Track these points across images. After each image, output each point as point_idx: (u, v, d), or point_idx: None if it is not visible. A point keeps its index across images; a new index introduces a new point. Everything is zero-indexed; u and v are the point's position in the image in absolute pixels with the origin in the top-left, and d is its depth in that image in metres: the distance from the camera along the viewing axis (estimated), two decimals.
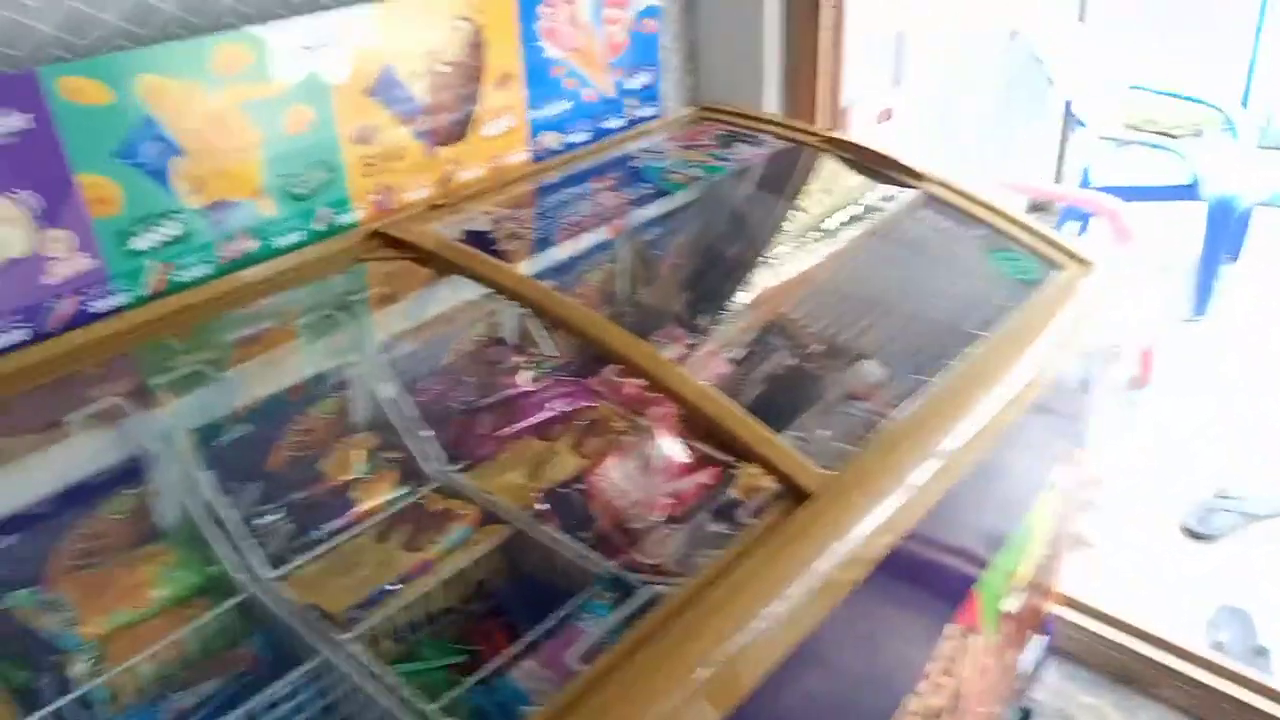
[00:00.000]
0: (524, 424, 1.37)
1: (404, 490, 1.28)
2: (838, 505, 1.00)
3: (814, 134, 1.74)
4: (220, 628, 1.10)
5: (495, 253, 1.33)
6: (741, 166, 1.60)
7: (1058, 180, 3.94)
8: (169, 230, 1.17)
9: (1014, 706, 1.92)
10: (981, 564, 1.43)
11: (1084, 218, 3.63)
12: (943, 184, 1.58)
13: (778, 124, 1.78)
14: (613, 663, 0.83)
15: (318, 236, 1.33)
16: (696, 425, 1.24)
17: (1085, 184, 3.58)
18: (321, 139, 1.29)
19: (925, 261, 1.66)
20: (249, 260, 1.26)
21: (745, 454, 1.07)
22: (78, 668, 1.01)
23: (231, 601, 1.10)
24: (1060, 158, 3.92)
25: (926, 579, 1.26)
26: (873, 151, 1.66)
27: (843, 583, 0.97)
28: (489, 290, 1.24)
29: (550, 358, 1.50)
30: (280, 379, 1.27)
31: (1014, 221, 1.53)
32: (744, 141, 1.70)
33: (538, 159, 1.60)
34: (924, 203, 1.59)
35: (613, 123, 1.72)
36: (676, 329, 1.62)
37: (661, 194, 1.50)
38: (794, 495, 1.01)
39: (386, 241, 1.35)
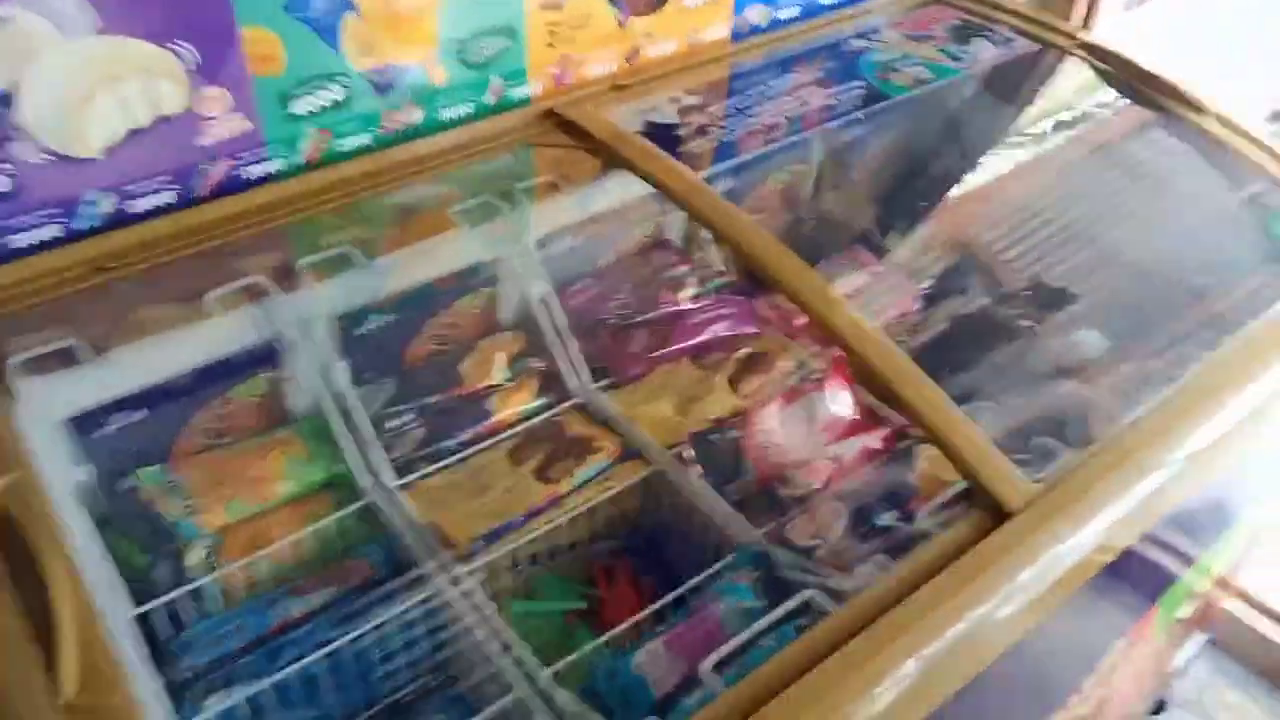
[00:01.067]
0: (679, 346, 1.25)
1: (543, 402, 1.19)
2: (1043, 528, 0.84)
3: (1066, 34, 1.46)
4: (339, 531, 1.06)
5: (674, 148, 1.17)
6: (974, 72, 1.36)
7: None
8: (332, 94, 1.06)
9: (1152, 698, 1.77)
10: (1173, 578, 1.26)
11: None
12: (1226, 121, 1.30)
13: (1023, 16, 1.50)
14: (756, 691, 0.73)
15: (488, 110, 1.20)
16: (873, 382, 1.09)
17: None
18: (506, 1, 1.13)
19: (1185, 213, 1.40)
20: (413, 133, 1.15)
21: (935, 443, 0.92)
22: (194, 557, 0.99)
23: (353, 507, 1.05)
24: None
25: (1112, 596, 1.10)
26: (1139, 68, 1.37)
27: (1030, 615, 0.84)
28: (658, 192, 1.10)
29: (717, 272, 1.35)
30: (430, 267, 1.18)
31: None
32: (982, 36, 1.44)
33: (739, 37, 1.40)
34: (1197, 140, 1.32)
35: None
36: (864, 251, 1.44)
37: (878, 97, 1.29)
38: (992, 510, 0.86)
39: (560, 123, 1.21)
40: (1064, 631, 1.02)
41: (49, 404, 0.93)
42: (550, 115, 1.22)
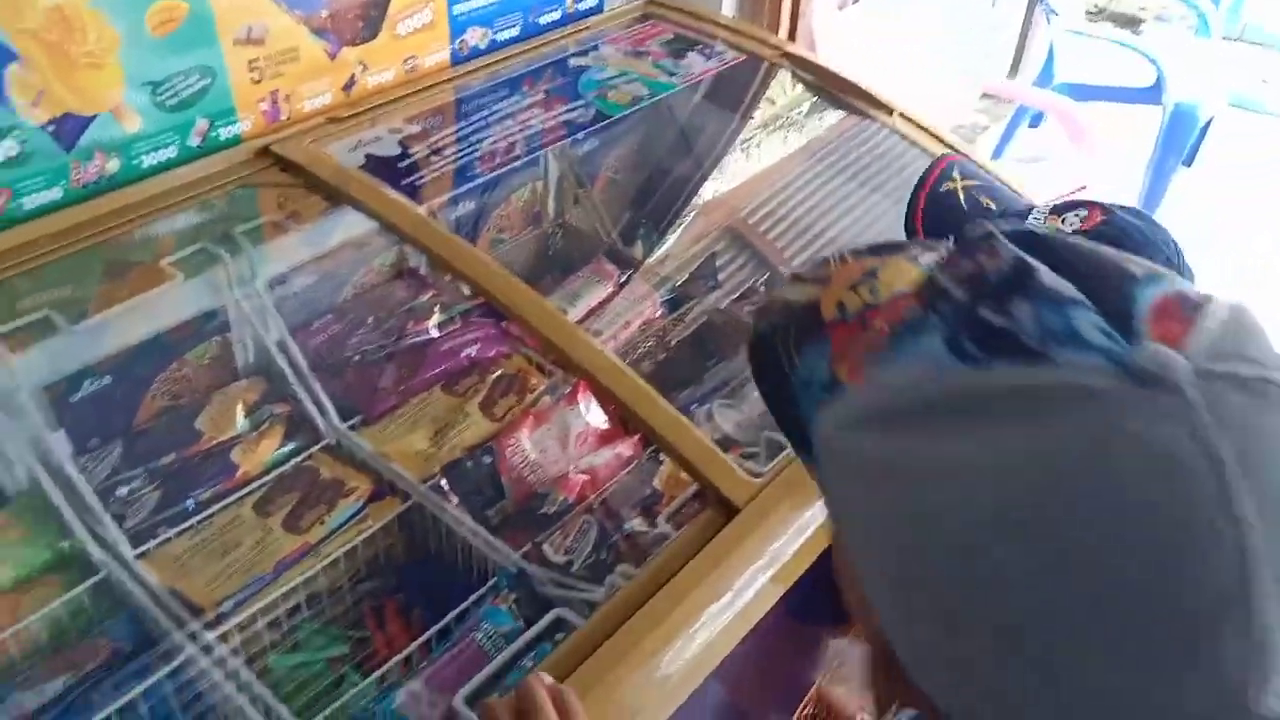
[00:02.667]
0: (428, 375, 1.24)
1: (292, 448, 1.15)
2: (766, 521, 0.91)
3: (772, 46, 1.56)
4: (72, 612, 0.99)
5: (398, 179, 1.17)
6: (689, 85, 1.43)
7: (1014, 73, 3.76)
8: (5, 151, 0.99)
9: None
10: None
11: (1039, 116, 3.51)
12: (911, 120, 1.43)
13: (733, 29, 1.59)
14: None
15: (195, 153, 1.15)
16: (610, 404, 1.14)
17: (1049, 79, 3.43)
18: (196, 39, 1.09)
19: (885, 202, 1.53)
20: (110, 183, 1.08)
21: (668, 453, 0.97)
22: None
23: (86, 584, 0.99)
24: (1020, 48, 3.73)
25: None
26: (835, 75, 1.49)
27: (760, 605, 0.90)
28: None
29: (464, 295, 1.36)
30: (148, 322, 1.12)
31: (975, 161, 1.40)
32: (695, 50, 1.52)
33: (459, 60, 1.41)
34: (888, 137, 1.45)
35: (550, 16, 1.52)
36: (607, 263, 1.49)
37: (600, 115, 1.33)
38: (722, 508, 0.92)
39: (277, 161, 1.18)
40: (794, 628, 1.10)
41: None
42: (266, 153, 1.18)
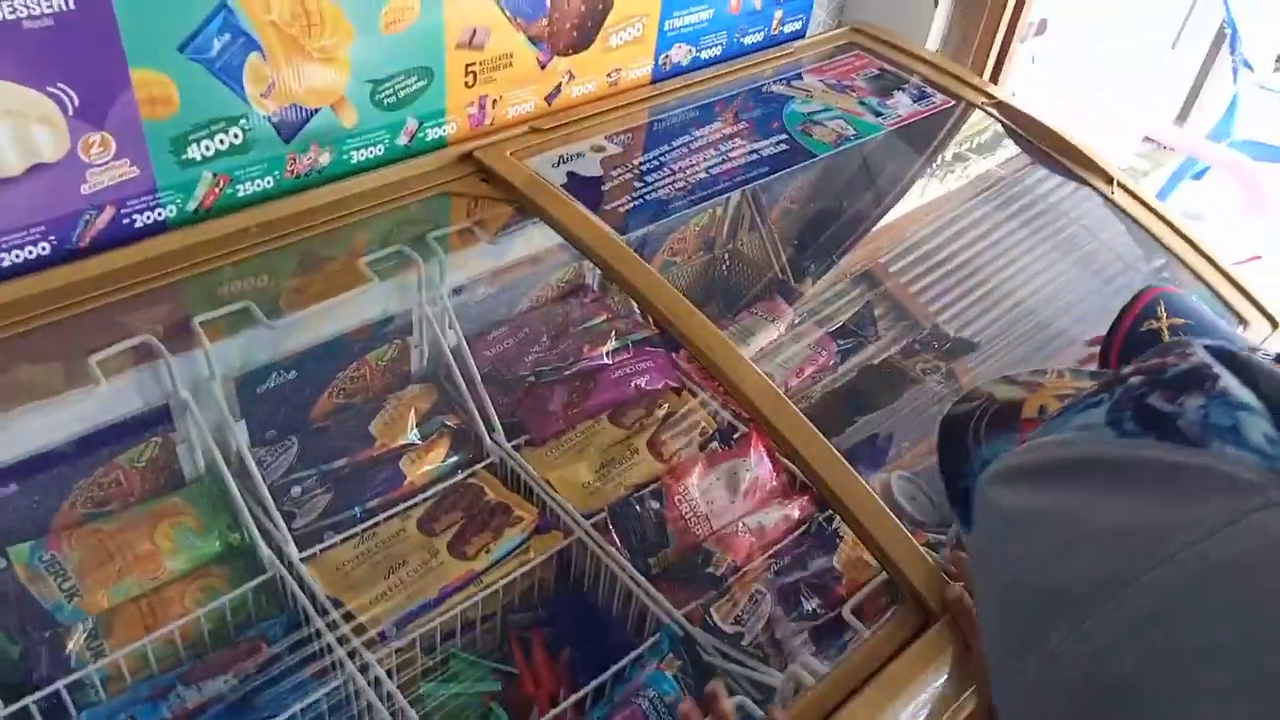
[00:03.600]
0: (597, 401, 1.21)
1: (455, 461, 1.14)
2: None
3: (978, 89, 1.48)
4: (235, 606, 0.98)
5: (592, 197, 1.13)
6: (894, 128, 1.36)
7: (1182, 120, 3.54)
8: (230, 138, 0.98)
9: None
10: None
11: (1204, 170, 3.29)
12: (1131, 192, 1.34)
13: (937, 68, 1.51)
14: None
15: (402, 153, 1.13)
16: (789, 458, 1.09)
17: (1226, 133, 3.22)
18: (423, 39, 1.06)
19: (1087, 271, 1.44)
20: (320, 177, 1.07)
21: (857, 534, 0.91)
22: (75, 644, 0.90)
23: (252, 583, 0.98)
24: (1193, 95, 3.50)
25: None
26: (1048, 130, 1.40)
27: None
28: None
29: (636, 322, 1.32)
30: (337, 321, 1.11)
31: (1202, 254, 1.30)
32: (902, 90, 1.44)
33: (661, 76, 1.36)
34: (1101, 205, 1.36)
35: (753, 37, 1.46)
36: (779, 301, 1.43)
37: (802, 151, 1.27)
38: (916, 609, 0.86)
39: (476, 167, 1.15)
40: None
41: None
42: (467, 159, 1.16)
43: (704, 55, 1.41)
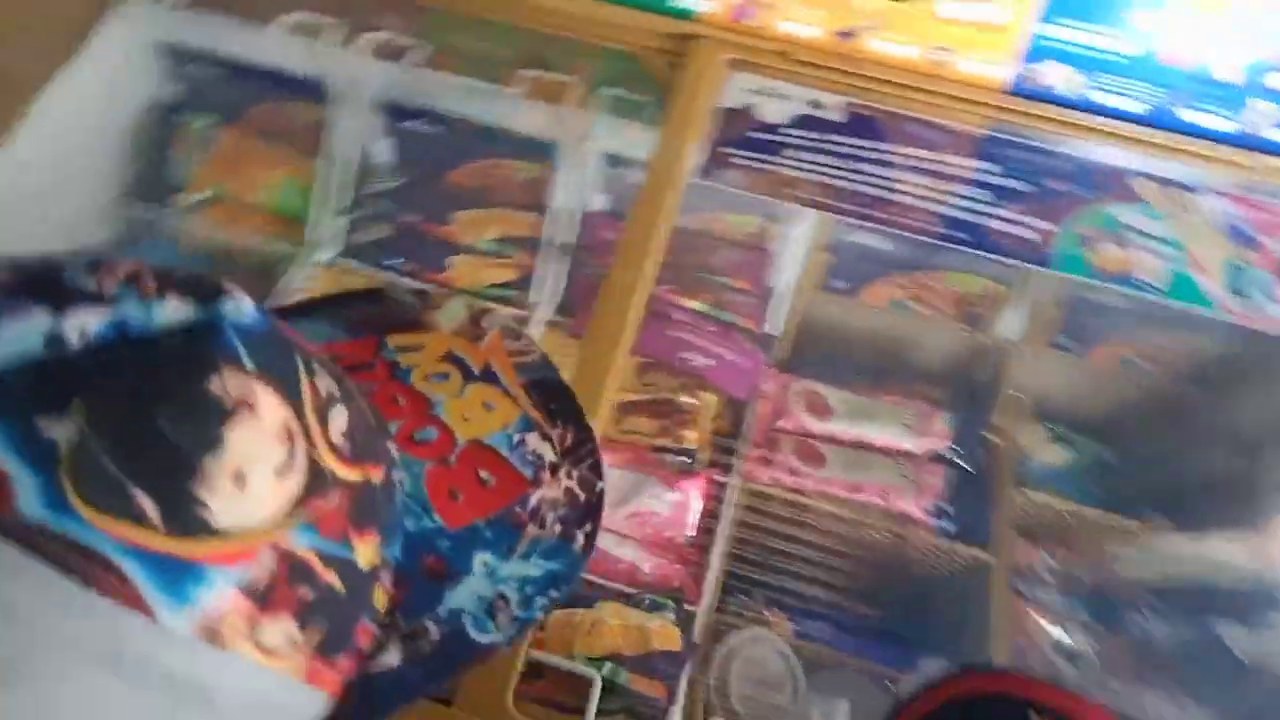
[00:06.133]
0: (652, 345, 1.09)
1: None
2: None
3: None
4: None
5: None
6: (1244, 324, 0.86)
7: None
8: None
9: None
10: None
11: None
12: None
13: None
14: None
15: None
16: None
17: None
18: None
19: None
20: None
21: None
22: (182, 201, 1.19)
23: (306, 264, 1.16)
24: None
25: None
26: None
27: None
28: None
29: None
30: (495, 111, 1.15)
31: None
32: None
33: (1025, 92, 1.03)
34: None
35: (1203, 118, 1.00)
36: None
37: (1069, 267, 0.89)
38: None
39: (677, 50, 1.05)
40: None
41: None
42: (685, 39, 1.05)
43: (1095, 97, 1.02)
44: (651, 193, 0.99)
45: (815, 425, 1.02)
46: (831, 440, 1.02)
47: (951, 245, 0.99)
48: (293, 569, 0.38)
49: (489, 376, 0.53)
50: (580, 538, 0.51)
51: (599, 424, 0.88)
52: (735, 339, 1.06)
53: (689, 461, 0.97)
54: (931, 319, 1.13)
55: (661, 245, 1.01)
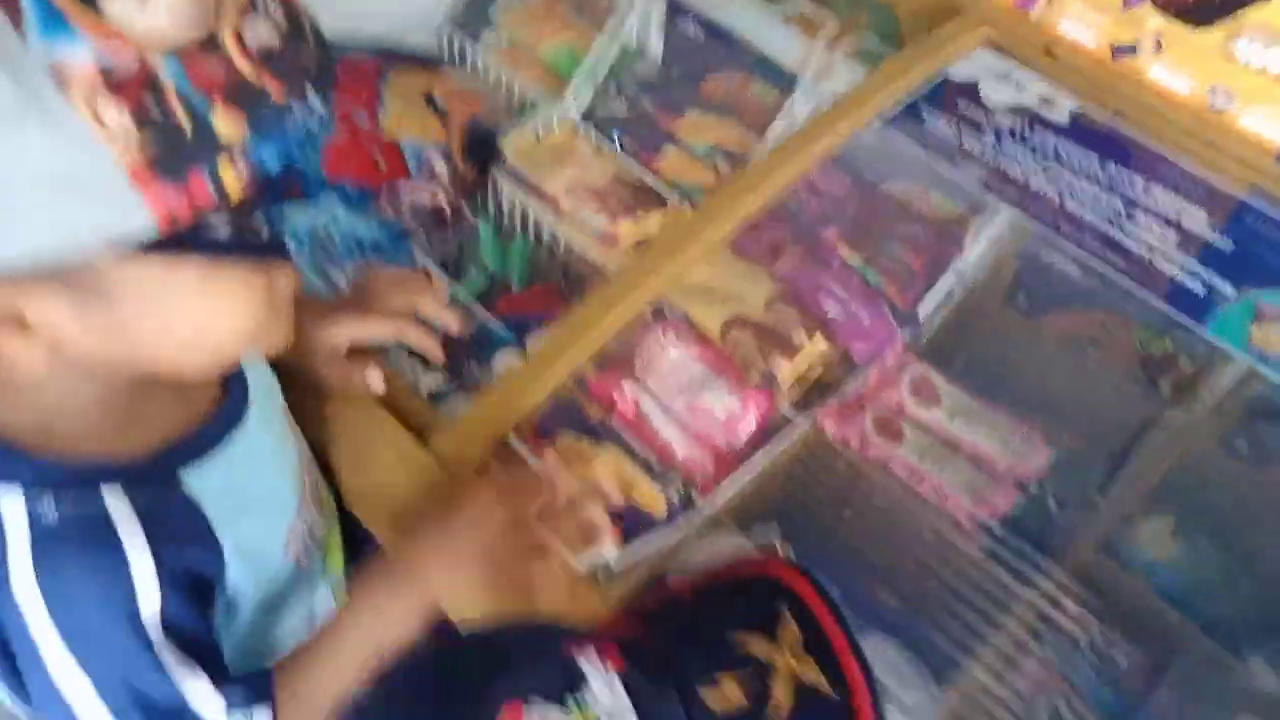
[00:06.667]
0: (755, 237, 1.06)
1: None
2: None
3: None
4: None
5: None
6: None
7: None
8: None
9: None
10: None
11: None
12: None
13: None
14: None
15: None
16: None
17: None
18: None
19: None
20: None
21: None
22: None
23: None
24: None
25: None
26: None
27: None
28: None
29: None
30: (772, 36, 1.17)
31: None
32: None
33: None
34: None
35: None
36: None
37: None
38: None
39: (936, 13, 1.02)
40: None
41: None
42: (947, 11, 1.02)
43: None
44: (824, 117, 0.98)
45: (914, 408, 0.95)
46: (919, 425, 0.94)
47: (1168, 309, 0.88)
48: (149, 81, 0.45)
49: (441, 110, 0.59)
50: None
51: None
52: (878, 306, 1.00)
53: (766, 385, 0.94)
54: (1103, 366, 1.00)
55: (802, 168, 1.00)
